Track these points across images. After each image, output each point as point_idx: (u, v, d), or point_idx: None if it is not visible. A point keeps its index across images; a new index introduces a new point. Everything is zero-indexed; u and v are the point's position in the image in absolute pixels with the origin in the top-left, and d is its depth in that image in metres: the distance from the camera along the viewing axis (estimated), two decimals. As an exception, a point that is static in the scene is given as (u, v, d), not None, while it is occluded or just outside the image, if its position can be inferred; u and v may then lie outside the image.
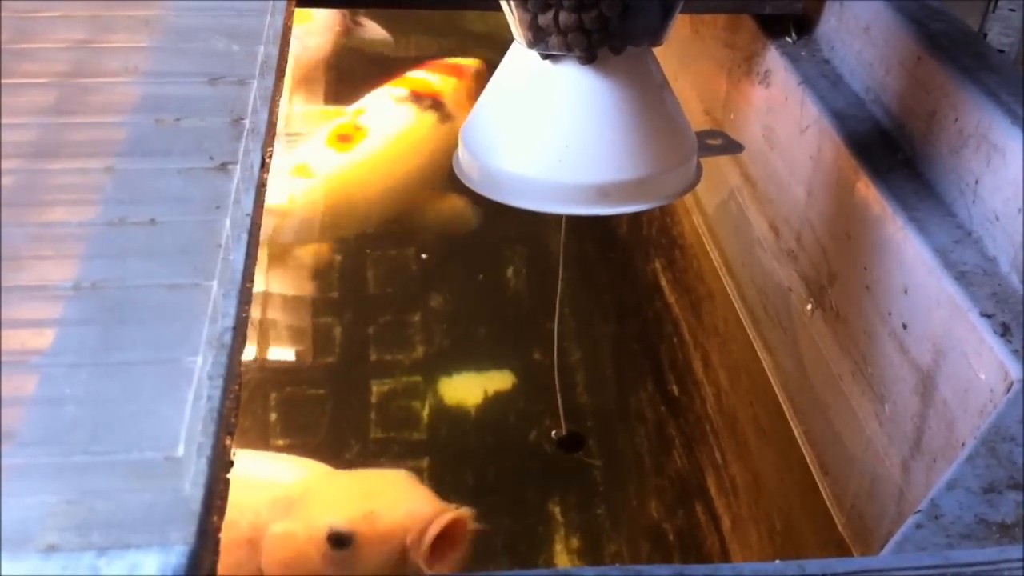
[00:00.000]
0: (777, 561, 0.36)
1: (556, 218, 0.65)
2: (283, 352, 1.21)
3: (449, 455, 1.07)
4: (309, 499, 0.75)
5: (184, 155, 0.47)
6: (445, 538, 0.73)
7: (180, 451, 0.32)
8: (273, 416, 1.09)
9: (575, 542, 1.02)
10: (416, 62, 1.44)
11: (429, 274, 1.31)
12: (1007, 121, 0.61)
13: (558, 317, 0.79)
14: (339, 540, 0.72)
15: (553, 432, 0.88)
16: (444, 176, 1.18)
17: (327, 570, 0.72)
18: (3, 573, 0.29)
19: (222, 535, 0.73)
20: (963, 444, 0.56)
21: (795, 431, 0.81)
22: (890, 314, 0.65)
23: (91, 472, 0.31)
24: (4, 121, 0.49)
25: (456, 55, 1.46)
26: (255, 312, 1.16)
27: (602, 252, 1.33)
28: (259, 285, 1.00)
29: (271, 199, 0.49)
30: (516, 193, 0.58)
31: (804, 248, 0.79)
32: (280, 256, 1.25)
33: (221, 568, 0.72)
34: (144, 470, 0.32)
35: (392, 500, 0.75)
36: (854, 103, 0.77)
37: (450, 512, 0.74)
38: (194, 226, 0.42)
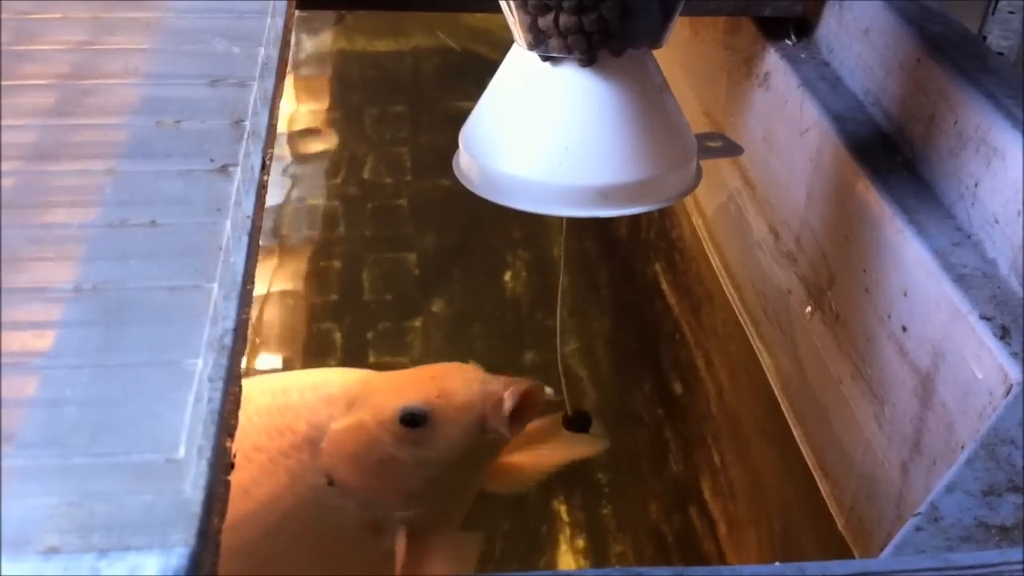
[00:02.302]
0: (777, 563, 0.36)
1: (556, 220, 0.65)
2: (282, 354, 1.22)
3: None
4: (371, 392, 0.74)
5: (185, 157, 0.47)
6: (520, 408, 0.73)
7: (181, 453, 0.32)
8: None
9: (579, 543, 1.02)
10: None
11: (429, 278, 1.31)
12: (1007, 124, 0.61)
13: (559, 318, 0.79)
14: (413, 419, 0.71)
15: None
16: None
17: (402, 451, 0.71)
18: (4, 575, 0.29)
19: (280, 441, 0.73)
20: (962, 446, 0.56)
21: (794, 433, 0.81)
22: (889, 316, 0.65)
23: (92, 474, 0.31)
24: (5, 123, 0.49)
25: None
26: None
27: (602, 254, 1.33)
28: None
29: None
30: (516, 195, 0.58)
31: (804, 250, 0.79)
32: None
33: (284, 470, 0.72)
34: (145, 472, 0.32)
35: (462, 380, 0.74)
36: (854, 105, 0.77)
37: (525, 381, 0.74)
38: (195, 228, 0.42)
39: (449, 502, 0.78)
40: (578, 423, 0.76)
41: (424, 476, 0.73)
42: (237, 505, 0.70)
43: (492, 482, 0.83)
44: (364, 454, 0.72)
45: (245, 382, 0.82)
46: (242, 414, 0.80)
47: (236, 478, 0.74)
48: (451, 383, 0.74)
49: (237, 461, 0.75)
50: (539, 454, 0.82)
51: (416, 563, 0.73)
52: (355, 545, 0.75)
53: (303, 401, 0.74)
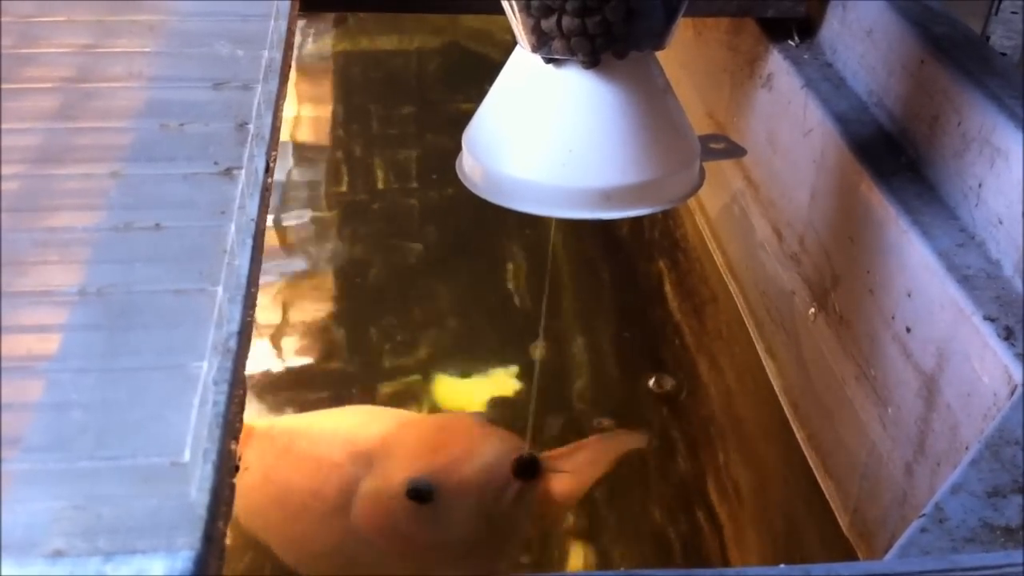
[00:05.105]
0: (781, 565, 0.36)
1: (559, 222, 0.65)
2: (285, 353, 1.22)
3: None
4: (386, 454, 0.75)
5: (189, 160, 0.47)
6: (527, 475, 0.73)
7: (186, 456, 0.32)
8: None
9: (582, 544, 1.02)
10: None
11: (433, 276, 1.31)
12: (1010, 124, 0.61)
13: (558, 322, 0.79)
14: (419, 495, 0.70)
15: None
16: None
17: (414, 528, 0.71)
18: (10, 578, 0.29)
19: (318, 504, 0.76)
20: (967, 448, 0.56)
21: (798, 435, 0.81)
22: (893, 318, 0.65)
23: (97, 477, 0.32)
24: (9, 126, 0.49)
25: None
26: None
27: (605, 255, 1.33)
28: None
29: None
30: (520, 197, 0.58)
31: (807, 252, 0.79)
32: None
33: (328, 529, 0.75)
34: (150, 475, 0.32)
35: (464, 449, 0.73)
36: (857, 106, 0.77)
37: (524, 451, 0.73)
38: (199, 231, 0.42)
39: (490, 552, 0.77)
40: (528, 470, 0.73)
41: (447, 547, 0.73)
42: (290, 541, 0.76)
43: (543, 518, 0.81)
44: (385, 524, 0.72)
45: (278, 423, 0.84)
46: (279, 459, 0.82)
47: (285, 517, 0.77)
48: (454, 450, 0.73)
49: (279, 494, 0.76)
50: (581, 469, 0.80)
51: None
52: None
53: (333, 455, 0.76)
